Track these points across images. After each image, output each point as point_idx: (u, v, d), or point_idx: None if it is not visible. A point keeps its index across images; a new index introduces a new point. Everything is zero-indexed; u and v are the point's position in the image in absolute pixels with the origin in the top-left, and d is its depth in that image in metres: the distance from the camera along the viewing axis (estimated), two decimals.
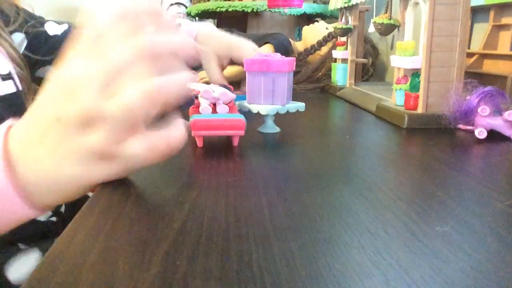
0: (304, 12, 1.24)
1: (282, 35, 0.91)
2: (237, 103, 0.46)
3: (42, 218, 0.56)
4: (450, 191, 0.30)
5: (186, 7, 2.44)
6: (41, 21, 0.68)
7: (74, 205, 0.65)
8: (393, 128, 0.51)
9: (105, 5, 0.30)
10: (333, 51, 0.87)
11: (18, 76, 0.55)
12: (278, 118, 0.49)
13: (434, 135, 0.47)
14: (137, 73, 0.28)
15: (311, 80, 0.92)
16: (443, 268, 0.19)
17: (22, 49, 0.63)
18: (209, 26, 0.72)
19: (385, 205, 0.27)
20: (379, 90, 0.70)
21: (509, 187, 0.30)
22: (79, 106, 0.27)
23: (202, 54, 0.30)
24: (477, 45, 0.76)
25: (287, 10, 1.22)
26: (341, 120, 0.62)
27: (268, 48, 0.86)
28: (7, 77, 0.53)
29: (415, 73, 0.52)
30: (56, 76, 0.29)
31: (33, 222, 0.34)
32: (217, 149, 0.40)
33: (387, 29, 0.57)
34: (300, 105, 0.47)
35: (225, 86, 0.47)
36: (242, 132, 0.39)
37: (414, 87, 0.51)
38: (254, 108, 0.44)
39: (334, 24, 0.84)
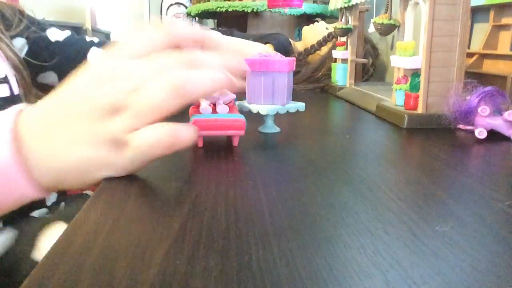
0: (304, 12, 1.24)
1: (282, 35, 0.91)
2: (237, 103, 0.46)
3: None
4: (450, 191, 0.30)
5: (186, 7, 2.45)
6: (43, 27, 0.68)
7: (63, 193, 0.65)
8: (393, 128, 0.51)
9: (158, 26, 0.33)
10: (333, 51, 0.87)
11: (16, 80, 0.55)
12: (278, 118, 0.49)
13: (434, 135, 0.47)
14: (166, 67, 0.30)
15: (311, 80, 0.92)
16: (443, 268, 0.19)
17: (23, 54, 0.64)
18: (215, 34, 0.72)
19: (385, 205, 0.27)
20: (379, 90, 0.70)
21: (509, 187, 0.30)
22: (111, 94, 0.29)
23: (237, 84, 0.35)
24: (477, 45, 0.76)
25: (287, 10, 1.22)
26: (341, 120, 0.62)
27: (268, 48, 0.86)
28: (3, 80, 0.53)
29: (415, 73, 0.52)
30: (93, 67, 0.31)
31: None
32: (217, 149, 0.40)
33: (387, 29, 0.57)
34: (300, 105, 0.47)
35: None
36: (242, 132, 0.39)
37: (414, 87, 0.51)
38: (254, 108, 0.44)
39: (334, 24, 0.84)
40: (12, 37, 0.61)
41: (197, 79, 0.29)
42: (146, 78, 0.29)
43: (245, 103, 0.46)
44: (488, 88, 0.45)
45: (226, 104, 0.42)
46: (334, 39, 0.92)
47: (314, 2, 1.34)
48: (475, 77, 0.49)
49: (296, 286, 0.18)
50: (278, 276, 0.19)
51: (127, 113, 0.29)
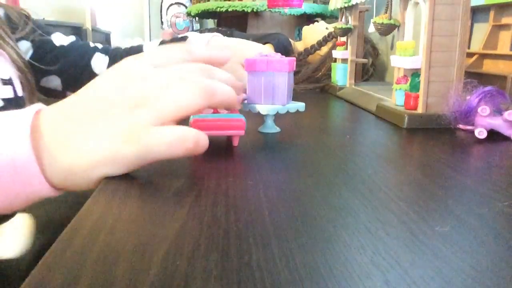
0: (304, 12, 1.24)
1: (282, 35, 0.90)
2: None
3: None
4: (450, 191, 0.30)
5: (186, 7, 2.45)
6: (48, 31, 0.68)
7: None
8: (393, 128, 0.51)
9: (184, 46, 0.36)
10: (333, 51, 0.87)
11: (21, 82, 0.56)
12: (278, 118, 0.49)
13: (434, 135, 0.47)
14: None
15: (311, 80, 0.92)
16: (443, 268, 0.19)
17: (27, 57, 0.64)
18: (217, 36, 0.72)
19: (385, 205, 0.27)
20: (379, 90, 0.70)
21: (509, 187, 0.30)
22: (142, 87, 0.31)
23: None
24: (477, 45, 0.76)
25: (287, 10, 1.22)
26: (341, 120, 0.62)
27: (268, 48, 0.86)
28: (7, 82, 0.53)
29: (415, 73, 0.52)
30: (123, 67, 0.33)
31: None
32: (217, 149, 0.40)
33: (387, 29, 0.57)
34: (300, 105, 0.47)
35: None
36: (242, 132, 0.39)
37: (414, 87, 0.51)
38: (254, 108, 0.45)
39: (334, 24, 0.84)
40: (18, 40, 0.62)
41: (221, 85, 0.32)
42: (173, 79, 0.31)
43: (245, 103, 0.46)
44: (488, 88, 0.45)
45: None
46: (334, 39, 0.92)
47: (314, 2, 1.34)
48: (475, 77, 0.49)
49: (296, 286, 0.18)
50: (278, 276, 0.19)
51: (153, 107, 0.30)
